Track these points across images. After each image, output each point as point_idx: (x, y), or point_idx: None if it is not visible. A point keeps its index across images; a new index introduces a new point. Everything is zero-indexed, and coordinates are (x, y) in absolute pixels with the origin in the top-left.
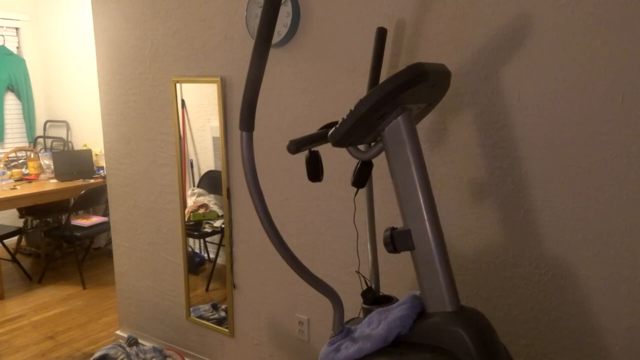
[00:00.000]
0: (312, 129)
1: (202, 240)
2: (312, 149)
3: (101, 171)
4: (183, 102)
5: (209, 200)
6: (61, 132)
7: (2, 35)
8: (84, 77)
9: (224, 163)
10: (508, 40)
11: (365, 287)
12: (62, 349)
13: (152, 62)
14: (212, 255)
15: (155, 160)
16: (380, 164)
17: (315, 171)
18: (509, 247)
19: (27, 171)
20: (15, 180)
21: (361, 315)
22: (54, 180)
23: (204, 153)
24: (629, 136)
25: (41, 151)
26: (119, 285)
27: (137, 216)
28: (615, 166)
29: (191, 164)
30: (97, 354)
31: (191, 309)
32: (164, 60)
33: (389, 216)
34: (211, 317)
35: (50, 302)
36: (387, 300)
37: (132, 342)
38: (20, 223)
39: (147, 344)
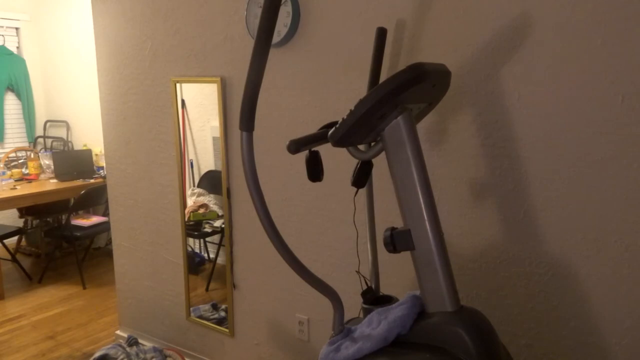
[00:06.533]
0: (312, 129)
1: (202, 240)
2: (312, 149)
3: (101, 171)
4: (183, 102)
5: (209, 200)
6: (61, 132)
7: (2, 35)
8: (84, 77)
9: (224, 163)
10: (508, 40)
11: (365, 287)
12: (62, 349)
13: (152, 62)
14: (212, 255)
15: (155, 160)
16: (380, 164)
17: (315, 171)
18: (509, 247)
19: (27, 171)
20: (15, 180)
21: (361, 315)
22: (54, 180)
23: (204, 153)
24: (629, 136)
25: (41, 151)
26: (119, 285)
27: (137, 216)
28: (615, 166)
29: (191, 164)
30: (97, 354)
31: (191, 309)
32: (164, 60)
33: (389, 216)
34: (211, 317)
35: (50, 302)
36: (387, 300)
37: (132, 342)
38: (20, 223)
39: (147, 344)
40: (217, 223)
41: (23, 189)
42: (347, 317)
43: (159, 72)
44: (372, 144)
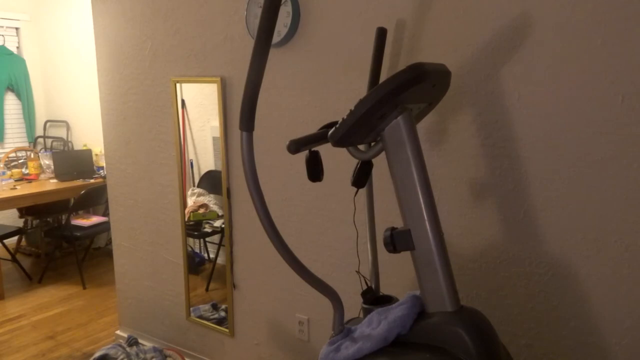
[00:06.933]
0: (312, 129)
1: (202, 240)
2: (312, 149)
3: (101, 171)
4: (183, 102)
5: (209, 200)
6: (61, 132)
7: (2, 35)
8: (84, 76)
9: (224, 163)
10: (508, 40)
11: (365, 287)
12: (62, 349)
13: (152, 62)
14: (212, 255)
15: (155, 160)
16: (380, 164)
17: (315, 171)
18: (509, 247)
19: (27, 171)
20: (15, 180)
21: (361, 315)
22: (54, 180)
23: (204, 153)
24: (629, 136)
25: (41, 151)
26: (119, 285)
27: (137, 216)
28: (615, 166)
29: (191, 164)
30: (97, 354)
31: (191, 309)
32: (164, 60)
33: (389, 216)
34: (211, 317)
35: (50, 302)
36: (387, 300)
37: (132, 342)
38: (20, 223)
39: (147, 344)
40: (217, 223)
41: (23, 189)
42: (347, 317)
43: (159, 72)
44: (372, 144)
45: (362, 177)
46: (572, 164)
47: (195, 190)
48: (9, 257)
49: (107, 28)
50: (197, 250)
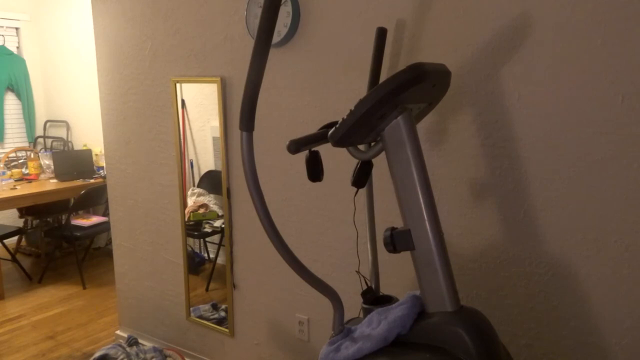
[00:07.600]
0: (312, 129)
1: (202, 240)
2: (312, 149)
3: (101, 171)
4: (183, 102)
5: (209, 200)
6: (61, 132)
7: (2, 35)
8: (84, 76)
9: (224, 163)
10: (508, 40)
11: (365, 287)
12: (62, 349)
13: (152, 62)
14: (212, 255)
15: (155, 160)
16: (380, 164)
17: (315, 171)
18: (509, 247)
19: (27, 171)
20: (15, 180)
21: (361, 315)
22: (54, 180)
23: (204, 153)
24: (629, 136)
25: (41, 151)
26: (119, 285)
27: (137, 216)
28: (615, 166)
29: (191, 164)
30: (97, 354)
31: (191, 309)
32: (164, 60)
33: (389, 216)
34: (211, 317)
35: (50, 302)
36: (387, 300)
37: (132, 342)
38: (20, 223)
39: (147, 344)
40: (217, 223)
41: (23, 189)
42: (347, 317)
43: (159, 72)
44: (372, 144)
45: (362, 177)
46: (572, 164)
47: (195, 190)
48: (9, 257)
49: (107, 28)
50: (197, 250)
